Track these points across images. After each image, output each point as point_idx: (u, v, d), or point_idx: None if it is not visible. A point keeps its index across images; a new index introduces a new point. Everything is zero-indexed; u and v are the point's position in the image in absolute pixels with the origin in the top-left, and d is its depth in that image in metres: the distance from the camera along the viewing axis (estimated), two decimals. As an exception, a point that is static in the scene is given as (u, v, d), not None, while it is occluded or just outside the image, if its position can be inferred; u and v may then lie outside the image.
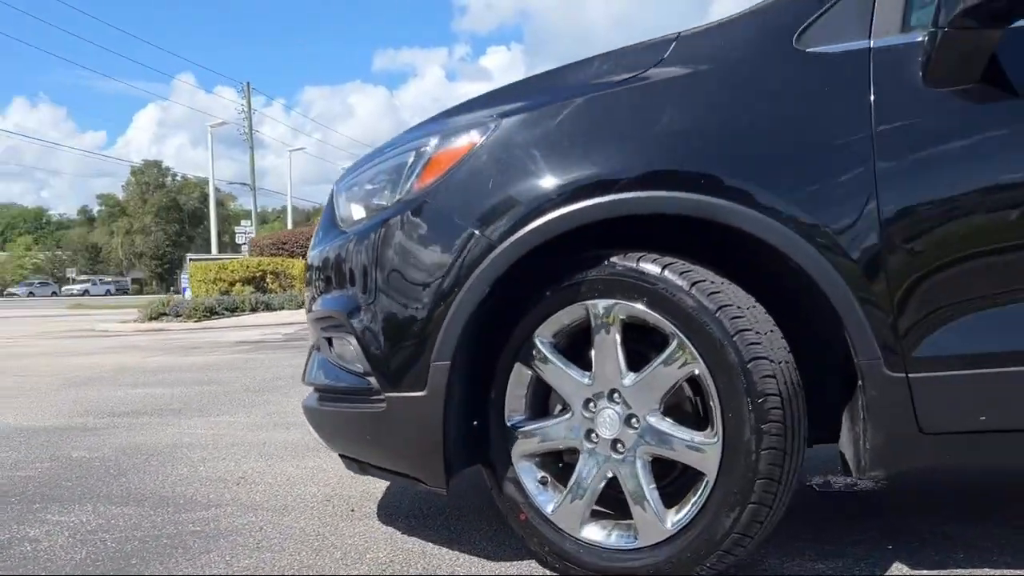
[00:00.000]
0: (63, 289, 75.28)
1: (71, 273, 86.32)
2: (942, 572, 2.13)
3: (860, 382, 1.93)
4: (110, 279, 78.86)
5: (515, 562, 2.23)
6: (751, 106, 2.04)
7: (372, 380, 2.21)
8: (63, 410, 5.09)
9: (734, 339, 1.89)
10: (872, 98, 1.94)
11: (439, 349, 2.08)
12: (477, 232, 2.07)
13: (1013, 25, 1.88)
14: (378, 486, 2.96)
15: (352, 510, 2.75)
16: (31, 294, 73.32)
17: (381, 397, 2.18)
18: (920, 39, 1.95)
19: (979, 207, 1.89)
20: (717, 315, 1.91)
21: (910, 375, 1.91)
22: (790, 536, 2.36)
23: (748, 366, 1.88)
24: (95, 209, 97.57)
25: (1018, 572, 2.13)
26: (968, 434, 1.95)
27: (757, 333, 1.91)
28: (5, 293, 78.56)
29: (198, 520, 2.67)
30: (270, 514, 2.72)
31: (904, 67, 1.95)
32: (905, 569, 2.15)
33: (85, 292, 70.33)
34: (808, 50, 2.03)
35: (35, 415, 4.93)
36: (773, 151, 1.98)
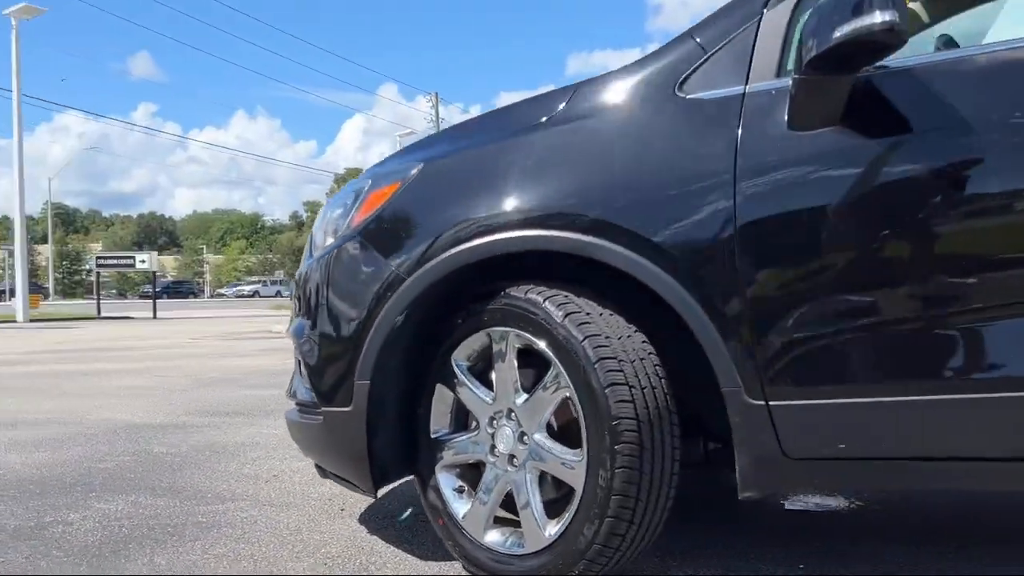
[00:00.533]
0: (235, 290, 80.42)
1: (280, 275, 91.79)
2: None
3: (726, 408, 2.07)
4: (280, 281, 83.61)
5: (442, 562, 2.47)
6: (630, 151, 2.21)
7: (315, 395, 2.51)
8: (175, 409, 5.67)
9: (595, 366, 2.07)
10: (738, 141, 2.07)
11: (360, 370, 2.35)
12: (392, 266, 2.33)
13: (868, 70, 1.98)
14: (379, 488, 3.25)
15: (342, 509, 3.07)
16: (237, 295, 78.43)
17: (320, 411, 2.47)
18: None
19: (834, 245, 1.99)
20: (583, 344, 2.09)
21: (770, 403, 2.03)
22: (706, 550, 2.50)
23: (606, 391, 2.05)
24: (304, 215, 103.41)
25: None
26: (830, 460, 2.05)
27: (619, 361, 2.08)
28: (215, 294, 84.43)
29: (208, 512, 3.04)
30: (271, 510, 3.06)
31: (772, 111, 2.07)
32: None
33: (255, 293, 74.95)
34: (688, 97, 2.18)
35: (149, 413, 5.52)
36: (647, 192, 2.14)
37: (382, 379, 2.37)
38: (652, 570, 2.37)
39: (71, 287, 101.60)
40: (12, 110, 26.16)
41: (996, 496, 3.02)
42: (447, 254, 2.25)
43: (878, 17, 1.82)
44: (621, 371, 2.07)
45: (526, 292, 2.21)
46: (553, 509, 2.23)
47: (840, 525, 2.83)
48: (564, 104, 2.33)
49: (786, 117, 2.04)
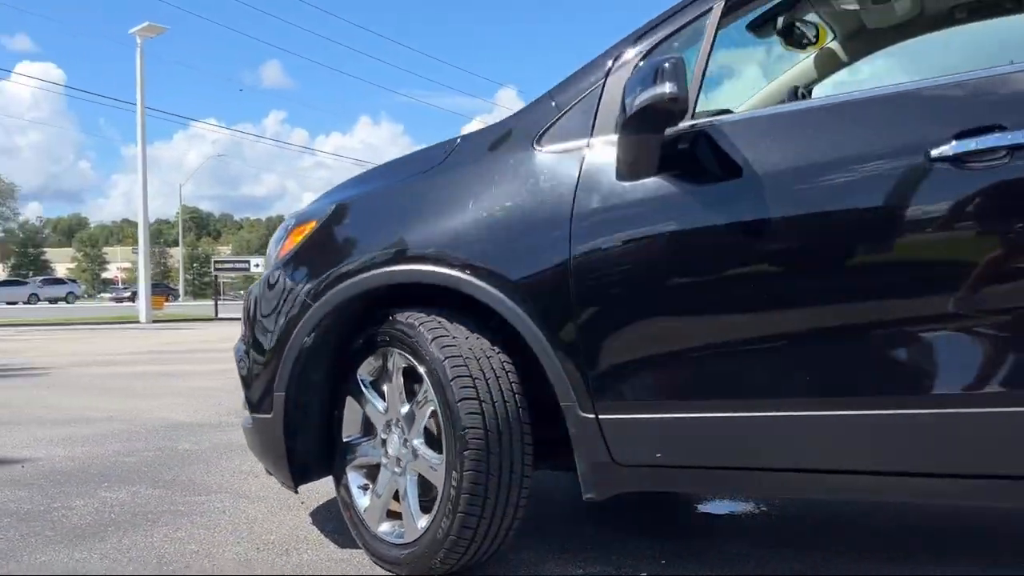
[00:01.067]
0: None
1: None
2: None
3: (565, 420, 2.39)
4: None
5: (354, 550, 2.84)
6: (494, 196, 2.52)
7: (248, 404, 2.91)
8: (221, 410, 6.21)
9: (451, 383, 2.40)
10: (577, 188, 2.38)
11: (278, 383, 2.74)
12: (301, 294, 2.71)
13: (676, 129, 2.27)
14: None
15: (302, 502, 3.47)
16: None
17: (251, 417, 2.88)
18: (624, 139, 2.36)
19: (647, 284, 2.29)
20: (444, 363, 2.43)
21: (599, 416, 2.34)
22: (599, 550, 2.81)
23: (458, 404, 2.38)
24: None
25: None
26: (651, 467, 2.35)
27: (473, 379, 2.41)
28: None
29: (189, 502, 3.49)
30: (243, 502, 3.49)
31: (606, 163, 2.38)
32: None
33: None
34: (543, 149, 2.50)
35: (197, 413, 6.07)
36: (503, 232, 2.46)
37: (300, 391, 2.76)
38: (527, 570, 2.68)
39: (201, 288, 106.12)
40: (136, 122, 27.79)
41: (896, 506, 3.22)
42: (342, 285, 2.63)
43: (667, 88, 2.12)
44: (474, 387, 2.40)
45: (407, 317, 2.56)
46: (427, 506, 2.57)
47: (737, 528, 3.09)
48: (447, 154, 2.68)
49: (615, 169, 2.34)
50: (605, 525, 3.10)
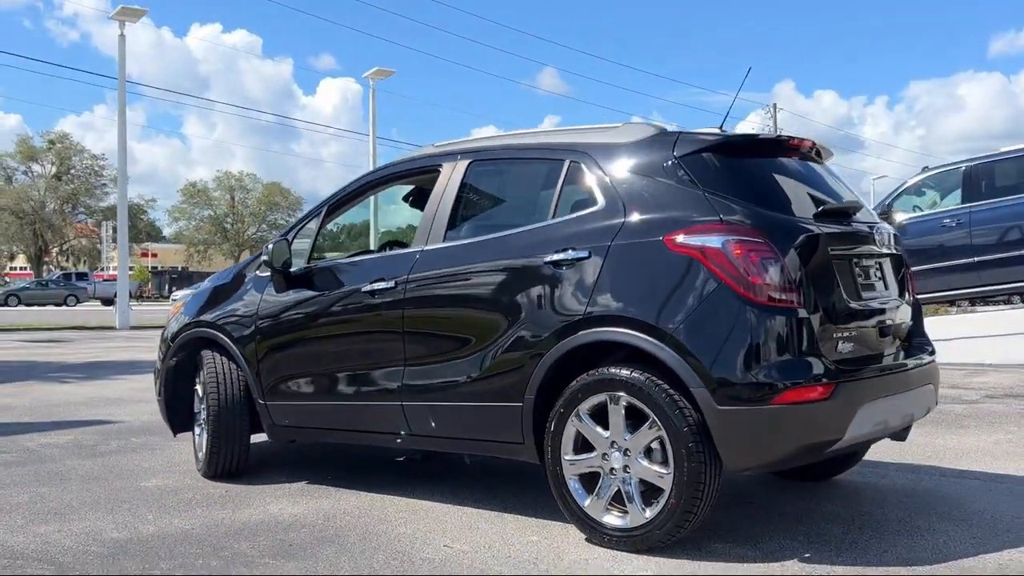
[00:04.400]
0: None
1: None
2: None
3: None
4: None
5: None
6: (244, 295, 5.27)
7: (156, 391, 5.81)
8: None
9: (207, 384, 5.17)
10: (263, 294, 5.10)
11: (162, 383, 5.61)
12: (168, 338, 5.58)
13: (300, 267, 4.94)
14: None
15: (215, 447, 6.33)
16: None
17: (157, 398, 5.77)
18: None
19: (276, 340, 4.99)
20: (206, 375, 5.20)
21: (267, 403, 5.06)
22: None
23: (208, 395, 5.15)
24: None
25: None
26: (287, 427, 5.05)
27: (217, 384, 5.14)
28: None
29: (161, 444, 6.38)
30: (175, 442, 6.32)
31: (273, 282, 5.08)
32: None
33: None
34: (259, 274, 5.23)
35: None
36: (238, 311, 5.21)
37: (175, 387, 5.60)
38: (270, 478, 5.38)
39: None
40: (369, 152, 32.36)
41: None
42: (181, 335, 5.48)
43: (263, 256, 4.84)
44: (216, 388, 5.14)
45: (203, 352, 5.35)
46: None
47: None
48: (236, 272, 5.47)
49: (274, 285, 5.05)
50: (344, 469, 5.73)
